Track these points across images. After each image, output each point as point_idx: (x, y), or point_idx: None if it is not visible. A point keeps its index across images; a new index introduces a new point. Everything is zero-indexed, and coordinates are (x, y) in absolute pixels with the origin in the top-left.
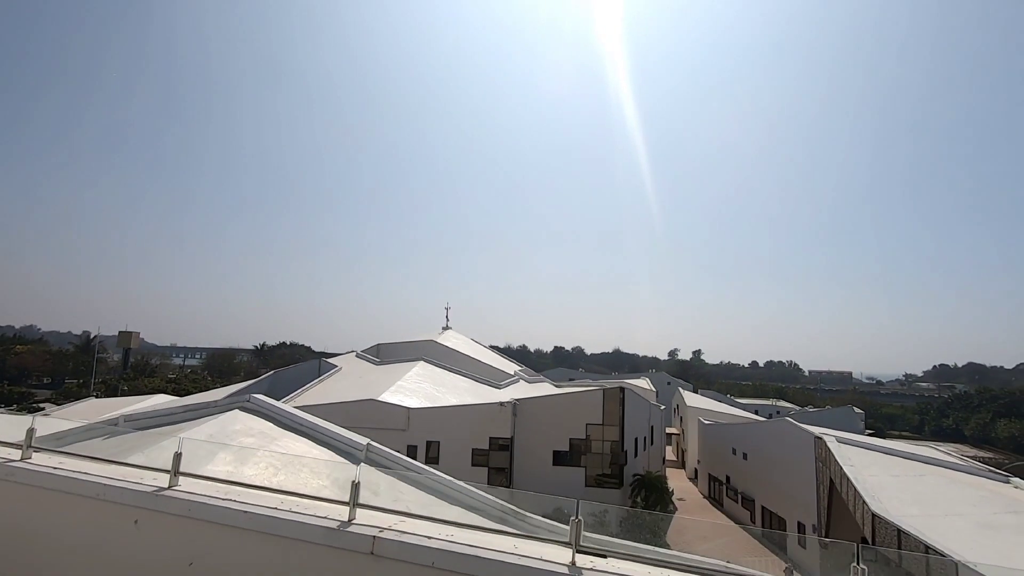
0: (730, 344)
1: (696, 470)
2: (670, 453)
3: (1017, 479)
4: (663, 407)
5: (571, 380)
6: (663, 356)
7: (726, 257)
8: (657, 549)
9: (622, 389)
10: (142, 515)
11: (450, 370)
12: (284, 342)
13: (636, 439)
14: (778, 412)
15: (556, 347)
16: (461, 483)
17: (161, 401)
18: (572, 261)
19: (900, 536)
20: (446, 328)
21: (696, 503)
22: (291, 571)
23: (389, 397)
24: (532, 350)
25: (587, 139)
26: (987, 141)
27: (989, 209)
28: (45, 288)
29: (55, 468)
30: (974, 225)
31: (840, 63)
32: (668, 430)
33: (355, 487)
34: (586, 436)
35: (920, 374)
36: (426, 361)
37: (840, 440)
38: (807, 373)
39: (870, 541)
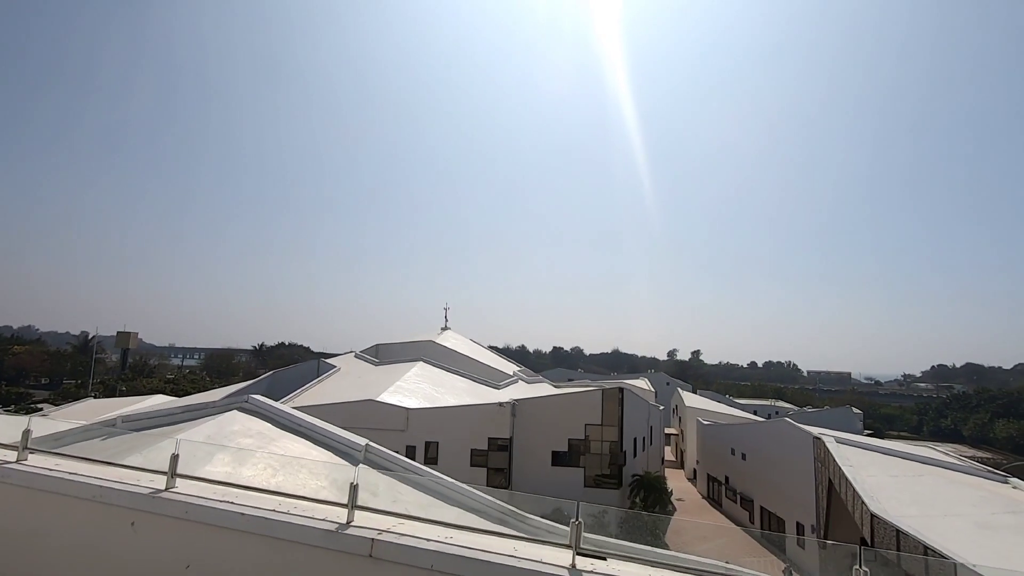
0: (729, 344)
1: (695, 470)
2: (669, 453)
3: (1015, 479)
4: (662, 407)
5: (570, 380)
6: (662, 356)
7: (725, 257)
8: (656, 550)
9: (621, 390)
10: (139, 517)
11: (449, 370)
12: (283, 342)
13: (635, 439)
14: (777, 412)
15: (555, 347)
16: (460, 484)
17: (159, 402)
18: (571, 261)
19: (899, 536)
20: (445, 328)
21: (695, 503)
22: (289, 574)
23: (388, 398)
24: (531, 350)
25: (586, 139)
26: (986, 142)
27: (987, 210)
28: (43, 288)
29: (51, 470)
30: (972, 226)
31: (838, 64)
32: (667, 430)
33: (353, 489)
34: (585, 436)
35: (918, 374)
36: (425, 361)
37: (839, 440)
38: (806, 373)
39: (869, 541)
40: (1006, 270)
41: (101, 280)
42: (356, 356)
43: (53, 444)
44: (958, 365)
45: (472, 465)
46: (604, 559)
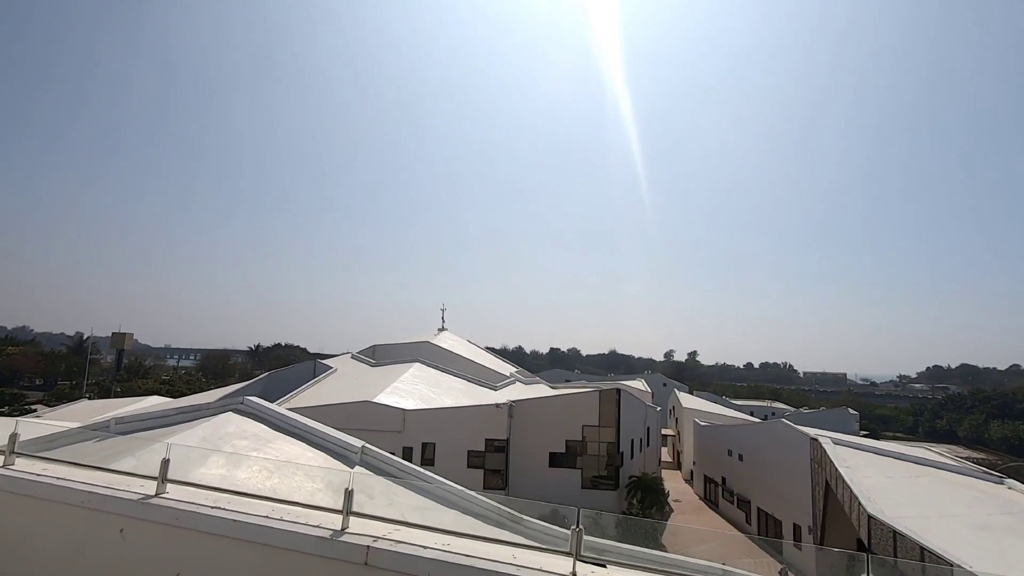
0: (725, 345)
1: (692, 471)
2: (666, 454)
3: (1011, 480)
4: (659, 408)
5: (567, 381)
6: (659, 357)
7: (721, 258)
8: (655, 553)
9: (618, 391)
10: (128, 524)
11: (446, 372)
12: (279, 343)
13: (632, 440)
14: (773, 413)
15: (552, 348)
16: (457, 486)
17: (154, 403)
18: (568, 262)
19: (896, 538)
20: (442, 329)
21: (692, 504)
22: None
23: (385, 399)
24: (528, 351)
25: (584, 140)
26: (981, 144)
27: (982, 211)
28: (38, 289)
29: (39, 475)
30: (967, 227)
31: (835, 64)
32: (664, 431)
33: (348, 495)
34: (582, 438)
35: (914, 375)
36: (422, 362)
37: (835, 441)
38: (802, 374)
39: (866, 543)
40: (1001, 272)
41: (97, 281)
42: (353, 357)
43: (43, 447)
44: (953, 366)
45: (469, 467)
46: (604, 566)
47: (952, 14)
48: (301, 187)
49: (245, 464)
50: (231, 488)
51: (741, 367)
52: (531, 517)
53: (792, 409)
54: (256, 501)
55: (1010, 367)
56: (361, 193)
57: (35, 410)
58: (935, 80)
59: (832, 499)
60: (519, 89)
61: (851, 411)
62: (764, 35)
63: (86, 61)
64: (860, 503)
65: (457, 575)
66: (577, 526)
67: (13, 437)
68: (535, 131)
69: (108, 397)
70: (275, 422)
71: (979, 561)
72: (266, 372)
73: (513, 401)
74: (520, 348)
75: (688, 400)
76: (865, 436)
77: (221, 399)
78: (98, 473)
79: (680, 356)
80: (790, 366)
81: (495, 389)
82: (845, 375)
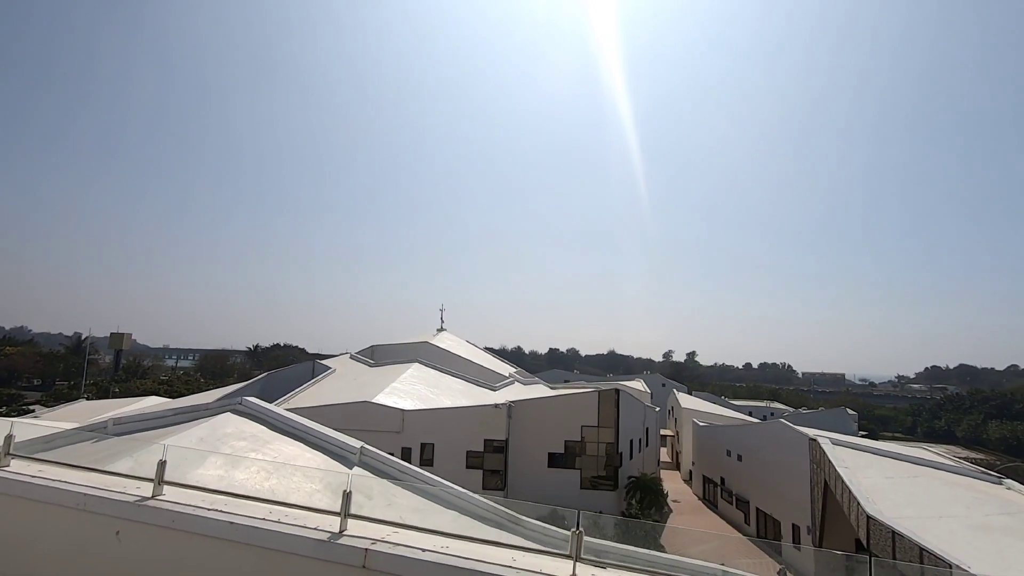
0: (724, 346)
1: (691, 472)
2: (665, 455)
3: (1009, 480)
4: (658, 409)
5: (566, 382)
6: (658, 358)
7: (720, 259)
8: (654, 554)
9: (617, 391)
10: (124, 526)
11: (445, 372)
12: (278, 343)
13: (631, 441)
14: (772, 414)
15: (551, 349)
16: (456, 487)
17: (153, 403)
18: (567, 262)
19: (894, 538)
20: (441, 330)
21: (691, 505)
22: None
23: (383, 399)
24: (527, 352)
25: (583, 140)
26: (979, 144)
27: (980, 212)
28: (36, 289)
29: (34, 477)
30: (965, 228)
31: (834, 64)
32: (663, 432)
33: (346, 497)
34: (581, 438)
35: (912, 376)
36: (421, 363)
37: (834, 442)
38: (800, 375)
39: (865, 543)
40: (999, 272)
41: (95, 281)
42: (351, 357)
43: (39, 448)
44: (951, 366)
45: (468, 467)
46: (604, 568)
47: (951, 13)
48: (300, 187)
49: (243, 465)
50: (229, 490)
51: (740, 367)
52: (531, 518)
53: (791, 409)
54: (254, 503)
55: (1008, 367)
56: (360, 193)
57: (33, 410)
58: (933, 80)
59: (831, 499)
60: (518, 89)
61: (850, 411)
62: (763, 35)
63: (85, 61)
64: (859, 503)
65: None
66: (577, 528)
67: (8, 439)
68: (534, 131)
69: (106, 397)
70: (273, 423)
71: (978, 562)
72: (265, 372)
73: (512, 402)
74: (519, 348)
75: (687, 400)
76: (864, 436)
77: (219, 400)
78: (94, 475)
79: (679, 356)
80: (789, 366)
81: (494, 389)
82: (844, 375)
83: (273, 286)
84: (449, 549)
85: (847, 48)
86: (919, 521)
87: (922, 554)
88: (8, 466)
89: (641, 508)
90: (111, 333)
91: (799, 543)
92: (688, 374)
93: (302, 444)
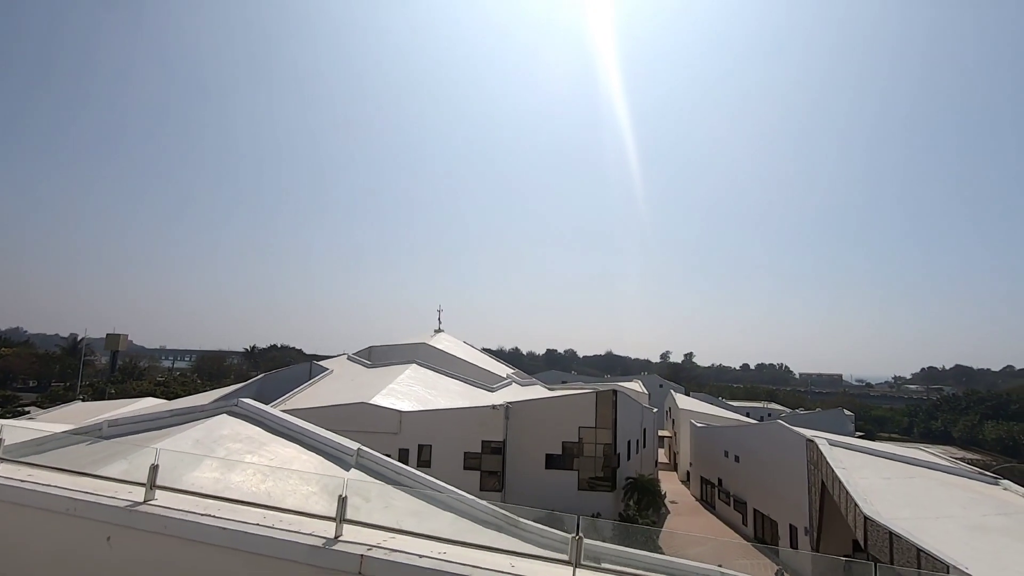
0: (721, 347)
1: (688, 473)
2: (662, 456)
3: (1006, 481)
4: (655, 410)
5: (564, 383)
6: (655, 359)
7: (717, 260)
8: (652, 555)
9: (615, 392)
10: (115, 532)
11: (442, 373)
12: (275, 344)
13: (629, 442)
14: (769, 415)
15: (548, 350)
16: (454, 489)
17: (148, 405)
18: (565, 263)
19: (892, 539)
20: (438, 331)
21: (688, 506)
22: None
23: (381, 400)
24: (524, 352)
25: (580, 141)
26: (977, 145)
27: (977, 213)
28: (32, 289)
29: (23, 481)
30: (962, 229)
31: (832, 65)
32: (660, 433)
33: (342, 502)
34: (579, 439)
35: (908, 376)
36: (418, 364)
37: (831, 443)
38: (797, 375)
39: (862, 544)
40: (995, 273)
41: (91, 282)
42: (349, 358)
43: (30, 452)
44: (948, 367)
45: (465, 468)
46: (604, 573)
47: (948, 13)
48: (296, 188)
49: (238, 468)
50: (222, 494)
51: (737, 368)
52: (529, 520)
53: (788, 410)
54: (247, 508)
55: (1004, 368)
56: (356, 194)
57: (28, 412)
58: (929, 81)
59: (828, 500)
60: (516, 91)
61: (847, 412)
62: (760, 35)
63: (82, 62)
64: (856, 504)
65: None
66: (577, 534)
67: None
68: (533, 132)
69: (102, 399)
70: (270, 424)
71: (975, 562)
72: (262, 373)
73: (510, 403)
74: (517, 349)
75: (684, 401)
76: (860, 437)
77: (215, 401)
78: (84, 479)
79: (676, 357)
80: (786, 367)
81: (492, 390)
82: (841, 376)
83: (270, 287)
84: (446, 555)
85: (845, 48)
86: (916, 522)
87: (919, 555)
88: None
89: (639, 509)
90: (107, 334)
91: (797, 544)
92: (685, 375)
93: (299, 446)
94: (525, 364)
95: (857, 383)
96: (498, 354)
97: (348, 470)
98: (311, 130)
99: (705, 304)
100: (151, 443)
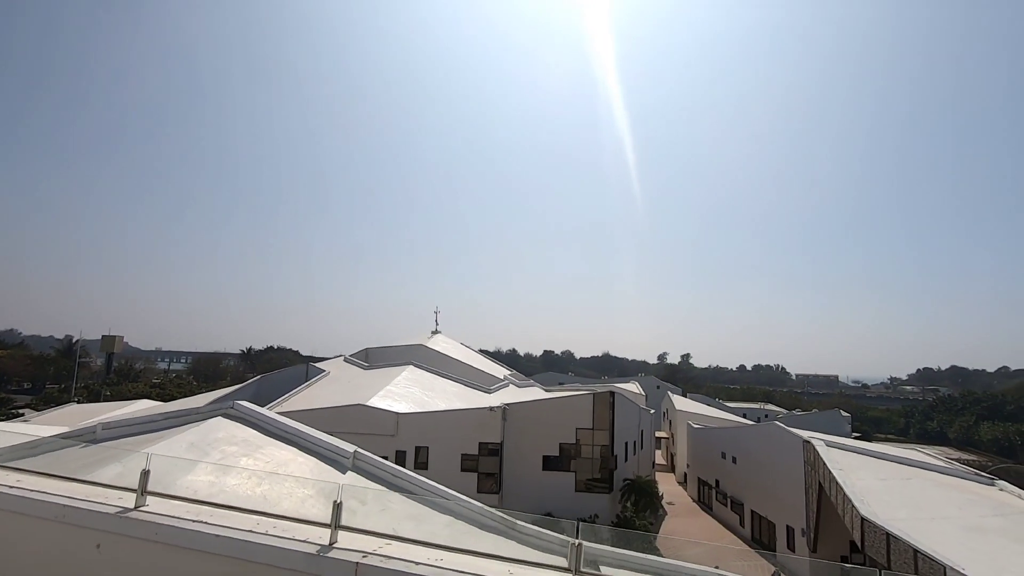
0: (718, 348)
1: (686, 474)
2: (660, 457)
3: (1002, 482)
4: (652, 411)
5: (561, 384)
6: (652, 360)
7: (714, 261)
8: (650, 558)
9: (612, 393)
10: (105, 539)
11: (439, 374)
12: (271, 346)
13: (626, 443)
14: (766, 415)
15: (546, 351)
16: (452, 492)
17: (144, 407)
18: (561, 264)
19: (889, 540)
20: (435, 332)
21: (686, 507)
22: None
23: (378, 402)
24: (522, 354)
25: (578, 142)
26: (971, 146)
27: (972, 214)
28: (27, 291)
29: (11, 487)
30: (957, 230)
31: (828, 67)
32: (657, 434)
33: (337, 508)
34: (576, 441)
35: (904, 377)
36: (415, 365)
37: (828, 444)
38: (794, 376)
39: (859, 545)
40: (990, 274)
41: (87, 283)
42: (345, 360)
43: (20, 456)
44: (943, 368)
45: (463, 470)
46: None
47: (947, 13)
48: (293, 189)
49: (233, 472)
50: (216, 499)
51: (734, 369)
52: (527, 522)
53: (784, 411)
54: (241, 514)
55: (999, 369)
56: (354, 195)
57: (23, 414)
58: (923, 83)
59: (825, 501)
60: (515, 92)
61: (843, 413)
62: (757, 36)
63: (80, 63)
64: (853, 505)
65: None
66: (576, 539)
67: None
68: (531, 133)
69: (97, 401)
70: (266, 427)
71: (972, 563)
72: (258, 375)
73: (507, 404)
74: (514, 351)
75: (681, 402)
76: (857, 438)
77: (211, 403)
78: (75, 485)
79: (673, 358)
80: (782, 368)
81: (489, 392)
82: (837, 377)
83: (267, 288)
84: (443, 562)
85: (841, 49)
86: (913, 523)
87: (916, 556)
88: None
89: (636, 511)
90: (102, 336)
91: (794, 545)
92: (682, 376)
93: (295, 448)
94: (522, 365)
95: (853, 384)
96: (495, 355)
97: (344, 473)
98: (309, 131)
99: (702, 305)
100: (145, 446)
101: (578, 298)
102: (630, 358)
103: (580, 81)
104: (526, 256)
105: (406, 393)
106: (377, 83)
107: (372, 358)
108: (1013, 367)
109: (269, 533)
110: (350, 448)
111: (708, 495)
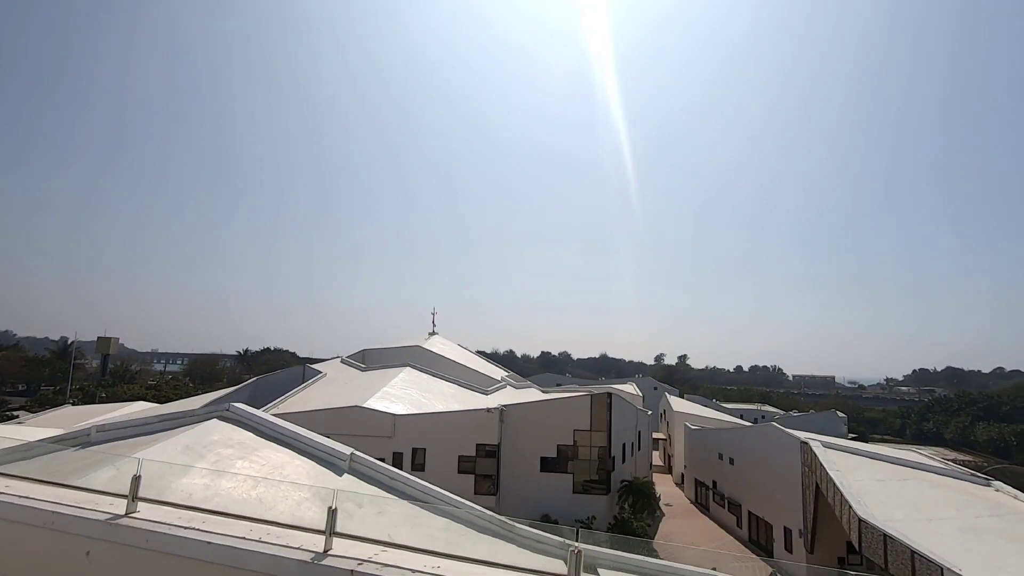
0: (715, 349)
1: (683, 475)
2: (657, 458)
3: (998, 482)
4: (650, 412)
5: (558, 385)
6: (649, 361)
7: (711, 262)
8: (648, 559)
9: (609, 395)
10: (95, 546)
11: (436, 376)
12: (268, 347)
13: (623, 445)
14: (763, 417)
15: (543, 352)
16: (448, 494)
17: (140, 409)
18: (559, 265)
19: (886, 540)
20: (432, 333)
21: (683, 508)
22: None
23: (375, 404)
24: (519, 355)
25: (575, 142)
26: (967, 147)
27: (967, 216)
28: (22, 292)
29: (0, 493)
30: (953, 231)
31: (825, 68)
32: (655, 435)
33: (331, 514)
34: (573, 442)
35: (900, 378)
36: (412, 367)
37: (825, 445)
38: (791, 377)
39: (856, 546)
40: (985, 275)
41: (82, 284)
42: (342, 362)
43: (13, 459)
44: (939, 369)
45: (460, 472)
46: None
47: (945, 13)
48: (292, 190)
49: (227, 476)
50: (210, 503)
51: (731, 370)
52: (525, 524)
53: (781, 412)
54: (234, 520)
55: (994, 370)
56: (354, 196)
57: (17, 416)
58: (919, 84)
59: (822, 502)
60: (514, 92)
61: (839, 414)
62: (755, 36)
63: (79, 64)
64: (851, 506)
65: None
66: (575, 544)
67: None
68: (530, 134)
69: (92, 403)
70: (262, 429)
71: (968, 564)
72: (254, 377)
73: (504, 405)
74: (511, 352)
75: (679, 404)
76: (853, 439)
77: (207, 405)
78: (64, 490)
79: (670, 359)
80: (779, 369)
81: (486, 393)
82: (833, 378)
83: (265, 289)
84: (440, 569)
85: (838, 50)
86: (910, 524)
87: (913, 556)
88: None
89: (633, 512)
90: (98, 337)
91: (791, 546)
92: (679, 377)
93: (291, 451)
94: (519, 367)
95: (850, 385)
96: (492, 356)
97: (341, 475)
98: (308, 131)
99: (699, 306)
100: (140, 449)
101: (575, 299)
102: (627, 359)
103: (579, 81)
104: (524, 256)
105: (403, 395)
106: (377, 83)
107: (369, 359)
108: (1008, 368)
109: (262, 540)
110: (347, 450)
111: (705, 496)
